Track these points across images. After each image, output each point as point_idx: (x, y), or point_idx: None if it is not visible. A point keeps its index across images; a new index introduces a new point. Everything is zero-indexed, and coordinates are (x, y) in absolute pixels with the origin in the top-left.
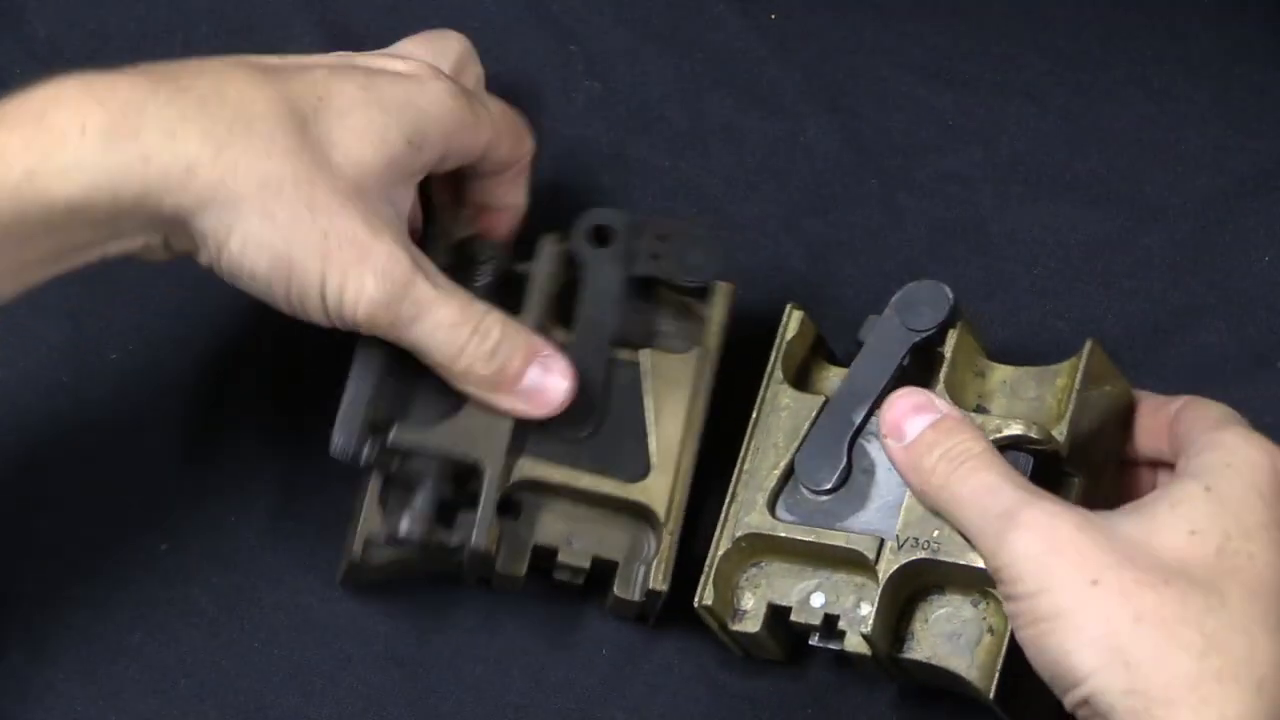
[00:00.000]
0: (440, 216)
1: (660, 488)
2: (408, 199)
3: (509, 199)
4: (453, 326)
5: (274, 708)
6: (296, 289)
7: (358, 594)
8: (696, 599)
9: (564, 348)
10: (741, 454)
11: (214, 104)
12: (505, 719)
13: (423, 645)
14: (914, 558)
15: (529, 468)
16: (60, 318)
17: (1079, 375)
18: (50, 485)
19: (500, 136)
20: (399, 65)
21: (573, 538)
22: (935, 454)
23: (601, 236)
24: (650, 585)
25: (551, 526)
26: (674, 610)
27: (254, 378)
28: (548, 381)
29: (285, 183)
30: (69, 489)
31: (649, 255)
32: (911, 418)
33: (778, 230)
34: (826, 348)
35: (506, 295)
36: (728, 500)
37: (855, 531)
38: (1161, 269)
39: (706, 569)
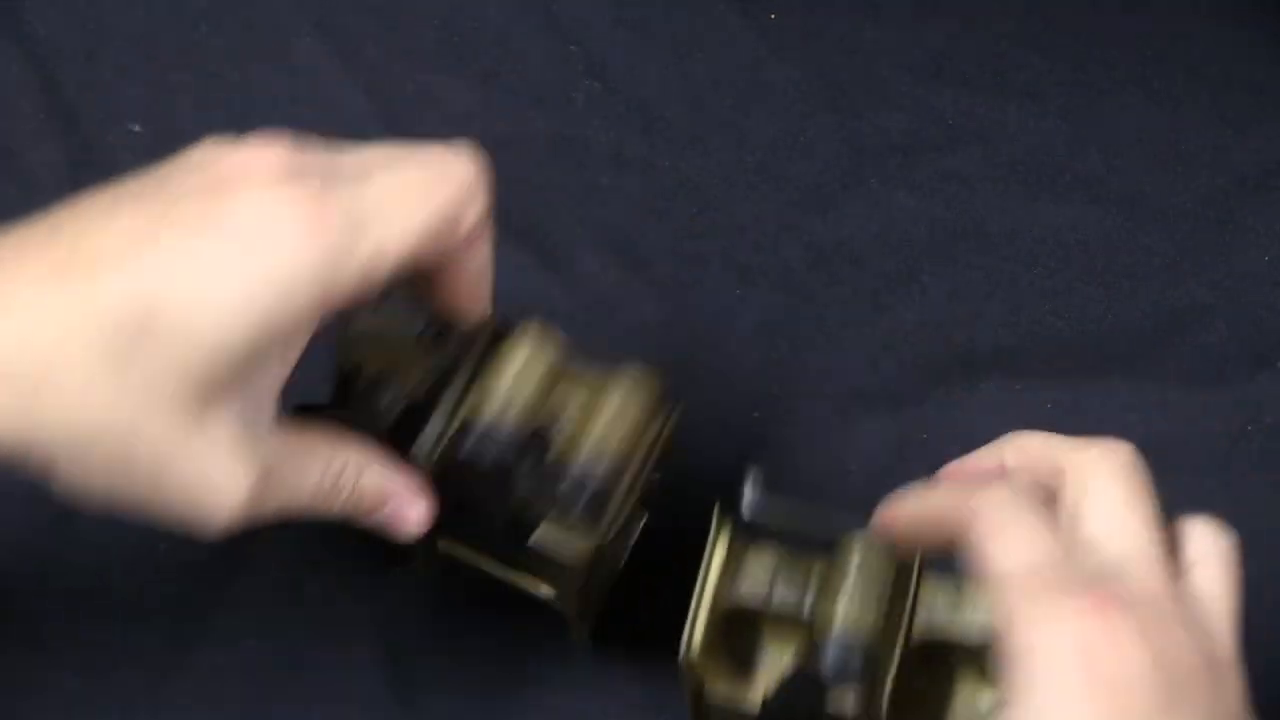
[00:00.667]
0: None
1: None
2: (280, 368)
3: (464, 277)
4: (310, 496)
5: (273, 707)
6: (140, 519)
7: (357, 593)
8: None
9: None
10: None
11: (28, 349)
12: (500, 716)
13: (422, 643)
14: None
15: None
16: None
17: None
18: (49, 484)
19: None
20: (266, 209)
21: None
22: None
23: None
24: None
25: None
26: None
27: None
28: (398, 515)
29: (102, 438)
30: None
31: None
32: None
33: (778, 230)
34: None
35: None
36: None
37: None
38: (1161, 269)
39: None
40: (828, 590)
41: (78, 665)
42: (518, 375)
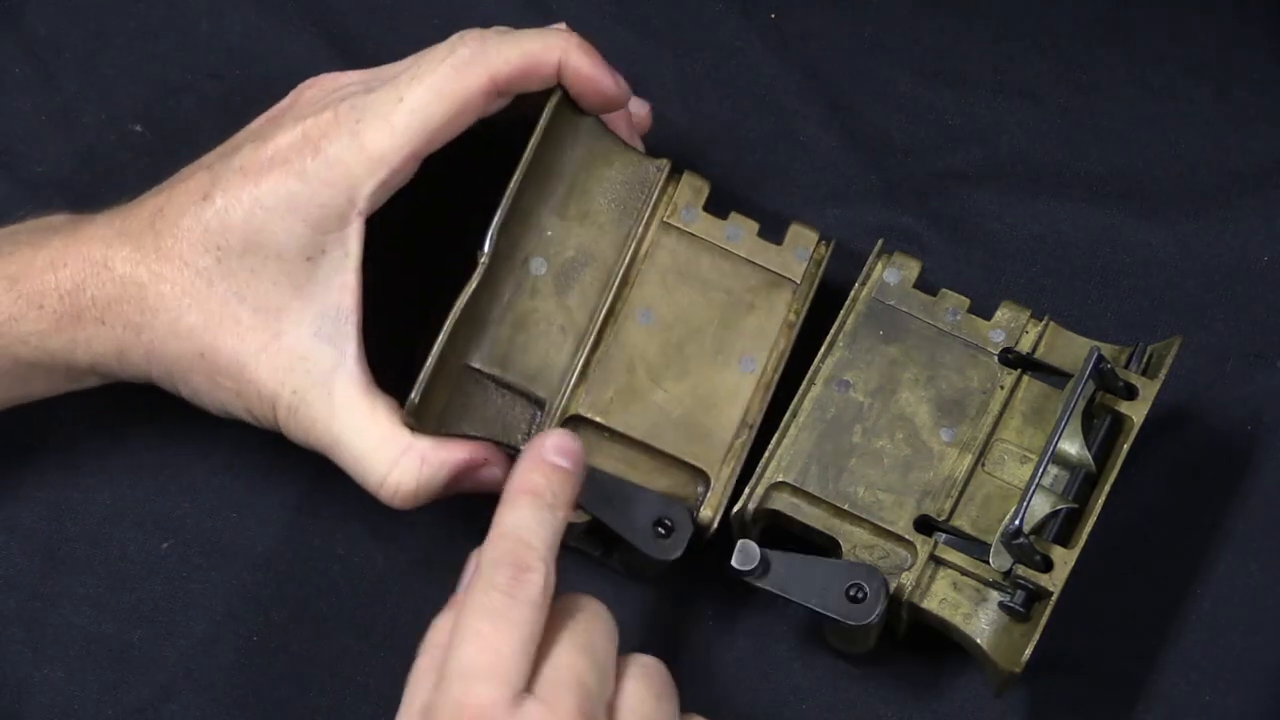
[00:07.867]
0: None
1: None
2: (348, 251)
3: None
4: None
5: (274, 703)
6: (251, 418)
7: (359, 591)
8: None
9: None
10: None
11: (132, 291)
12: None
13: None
14: None
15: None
16: None
17: None
18: (49, 484)
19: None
20: (303, 127)
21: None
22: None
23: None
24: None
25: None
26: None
27: None
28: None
29: (196, 361)
30: (69, 487)
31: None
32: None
33: (778, 230)
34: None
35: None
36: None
37: None
38: (1161, 268)
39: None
40: None
41: (76, 666)
42: None
